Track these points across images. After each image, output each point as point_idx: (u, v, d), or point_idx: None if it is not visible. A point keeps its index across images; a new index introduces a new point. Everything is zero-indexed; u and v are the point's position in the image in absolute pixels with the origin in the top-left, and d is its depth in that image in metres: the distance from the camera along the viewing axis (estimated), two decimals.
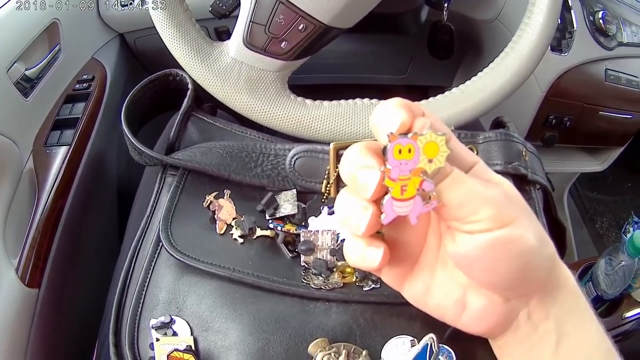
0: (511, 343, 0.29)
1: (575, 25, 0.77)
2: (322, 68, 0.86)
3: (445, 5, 0.65)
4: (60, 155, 0.59)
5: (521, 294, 0.28)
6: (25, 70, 0.60)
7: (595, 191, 1.36)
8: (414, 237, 0.29)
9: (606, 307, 0.80)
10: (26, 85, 0.60)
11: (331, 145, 0.41)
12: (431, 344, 0.35)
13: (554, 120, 0.83)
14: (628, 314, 0.78)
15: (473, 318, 0.28)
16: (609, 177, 1.35)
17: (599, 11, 0.79)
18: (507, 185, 0.27)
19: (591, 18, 0.79)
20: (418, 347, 0.35)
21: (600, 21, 0.78)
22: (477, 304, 0.28)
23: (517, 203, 0.27)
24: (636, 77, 0.85)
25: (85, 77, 0.68)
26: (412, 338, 0.36)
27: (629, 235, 0.73)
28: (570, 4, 0.78)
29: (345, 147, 0.42)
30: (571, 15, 0.78)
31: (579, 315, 0.29)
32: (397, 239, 0.29)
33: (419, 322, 0.37)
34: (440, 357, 0.35)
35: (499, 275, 0.26)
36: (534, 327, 0.28)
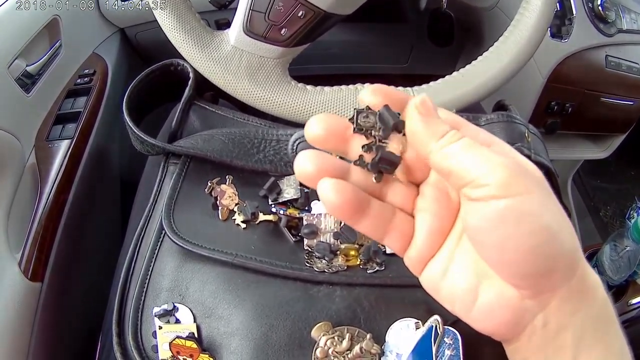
0: (524, 350, 0.27)
1: (574, 12, 0.77)
2: (323, 58, 0.86)
3: None
4: (62, 149, 0.59)
5: (536, 289, 0.25)
6: (27, 66, 0.60)
7: (599, 179, 1.34)
8: (443, 215, 0.28)
9: (612, 293, 0.80)
10: (27, 81, 0.60)
11: None
12: (436, 326, 0.34)
13: (555, 107, 0.83)
14: (634, 301, 0.78)
15: (483, 312, 0.26)
16: (613, 165, 1.34)
17: None
18: (525, 160, 0.25)
19: (590, 5, 0.79)
20: (423, 329, 0.35)
21: (600, 8, 0.78)
22: (489, 297, 0.26)
23: (534, 178, 0.24)
24: (637, 63, 0.84)
25: (86, 71, 0.69)
26: (416, 320, 0.36)
27: (633, 221, 0.73)
28: None
29: None
30: (570, 2, 0.78)
31: (604, 330, 0.26)
32: (426, 216, 0.28)
33: (424, 305, 0.37)
34: (445, 339, 0.34)
35: (508, 254, 0.24)
36: (551, 337, 0.25)
